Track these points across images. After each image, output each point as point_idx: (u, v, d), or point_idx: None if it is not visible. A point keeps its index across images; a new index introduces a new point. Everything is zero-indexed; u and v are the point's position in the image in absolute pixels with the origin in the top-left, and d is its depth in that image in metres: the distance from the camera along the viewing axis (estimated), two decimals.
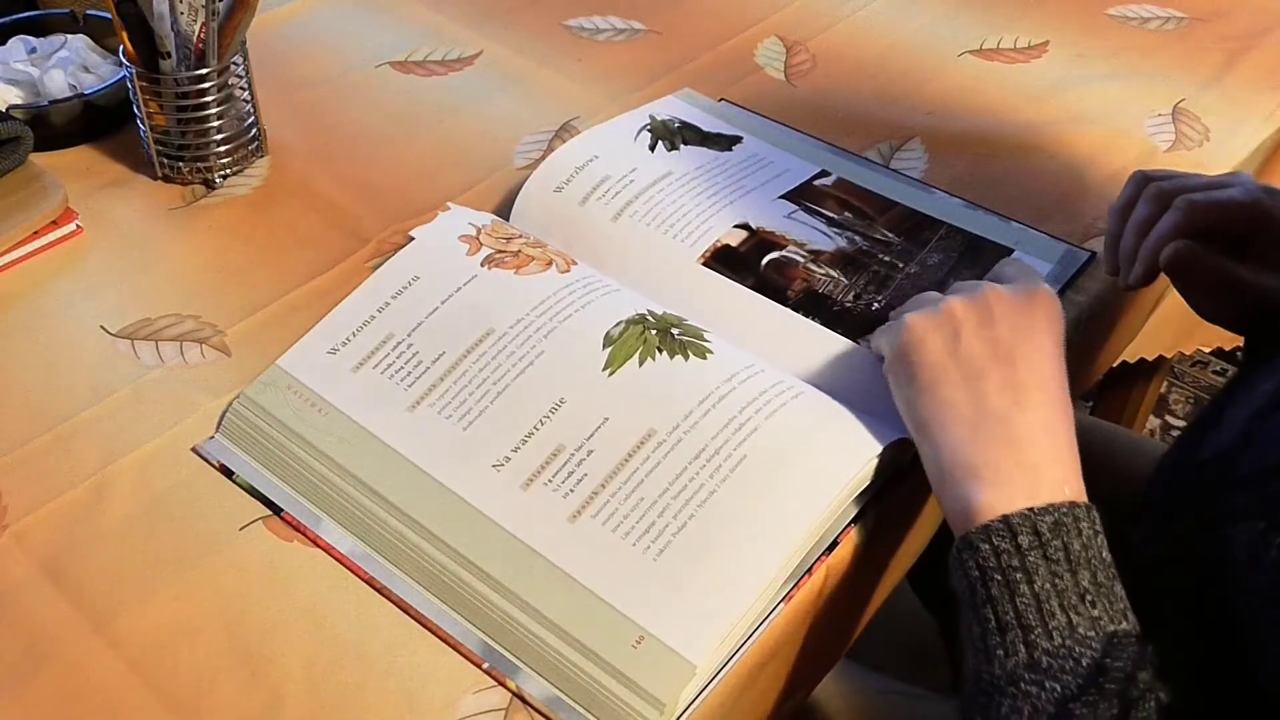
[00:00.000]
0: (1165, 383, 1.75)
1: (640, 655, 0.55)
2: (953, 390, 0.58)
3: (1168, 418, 1.74)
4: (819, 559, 0.61)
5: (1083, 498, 0.55)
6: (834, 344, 0.68)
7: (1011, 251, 0.76)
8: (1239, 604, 0.53)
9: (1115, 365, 0.96)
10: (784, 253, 0.73)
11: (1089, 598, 0.51)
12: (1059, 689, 0.50)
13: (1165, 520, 0.61)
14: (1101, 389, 1.37)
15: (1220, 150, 0.90)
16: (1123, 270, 0.69)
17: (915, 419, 0.59)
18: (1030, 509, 0.53)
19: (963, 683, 0.54)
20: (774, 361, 0.67)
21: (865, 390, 0.65)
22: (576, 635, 0.56)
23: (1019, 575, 0.52)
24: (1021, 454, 0.55)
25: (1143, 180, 0.69)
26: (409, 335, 0.68)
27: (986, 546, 0.52)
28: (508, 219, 0.78)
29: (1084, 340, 0.77)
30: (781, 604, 0.59)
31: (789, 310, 0.70)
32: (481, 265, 0.70)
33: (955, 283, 0.66)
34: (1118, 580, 0.53)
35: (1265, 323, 0.73)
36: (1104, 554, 0.53)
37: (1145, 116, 0.93)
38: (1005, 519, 0.53)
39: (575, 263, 0.71)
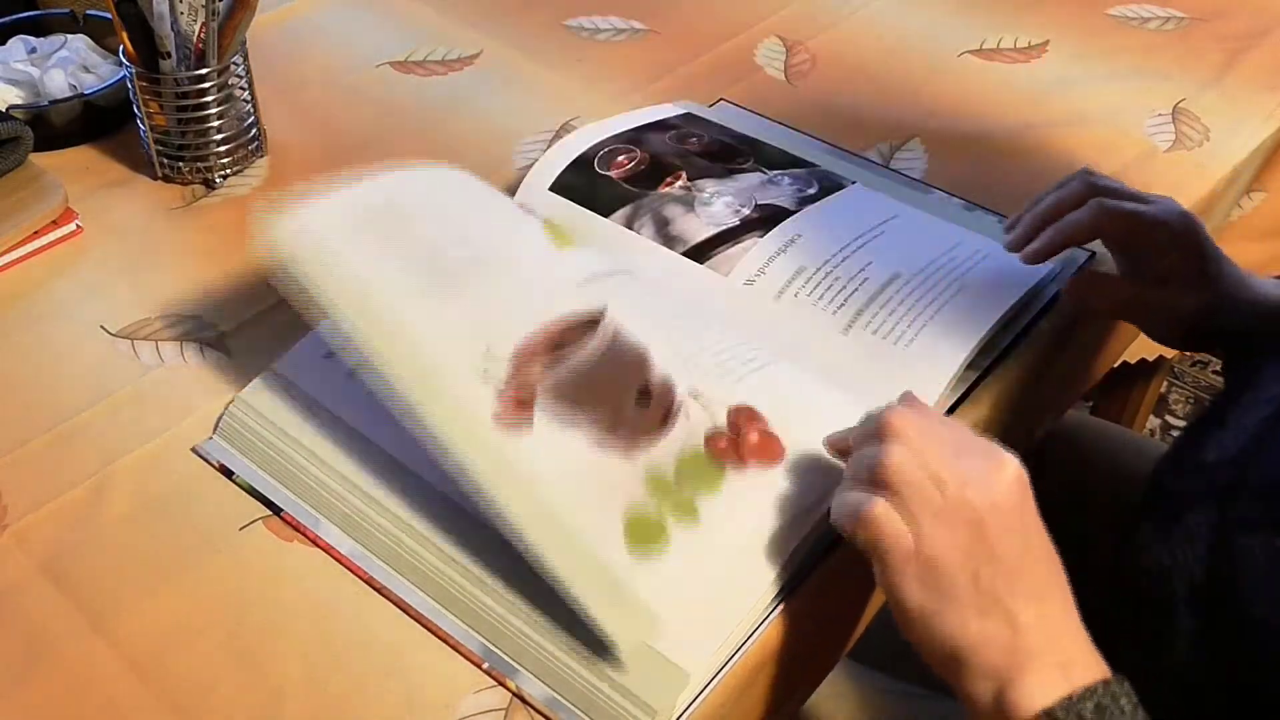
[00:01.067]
0: (1165, 383, 1.75)
1: (634, 662, 0.55)
2: (980, 623, 0.53)
3: (1168, 418, 1.74)
4: (819, 560, 0.61)
5: (1104, 666, 0.53)
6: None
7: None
8: (1255, 611, 0.53)
9: (1115, 365, 0.96)
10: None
11: None
12: None
13: (1172, 522, 0.60)
14: (1101, 389, 1.37)
15: (1220, 150, 0.90)
16: (1019, 236, 0.72)
17: (941, 642, 0.54)
18: (1070, 696, 0.51)
19: None
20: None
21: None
22: (572, 641, 0.55)
23: None
24: (1057, 652, 0.53)
25: (1085, 176, 0.72)
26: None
27: None
28: None
29: (1084, 340, 0.77)
30: (781, 605, 0.59)
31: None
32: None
33: (918, 456, 0.55)
34: None
35: (1206, 343, 0.75)
36: None
37: (1145, 116, 0.93)
38: (1048, 712, 0.51)
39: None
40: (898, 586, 0.54)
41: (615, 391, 0.61)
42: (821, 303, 0.69)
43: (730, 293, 0.70)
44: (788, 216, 0.74)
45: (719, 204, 0.75)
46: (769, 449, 0.60)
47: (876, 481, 0.54)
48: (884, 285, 0.70)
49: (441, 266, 0.63)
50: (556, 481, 0.57)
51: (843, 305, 0.69)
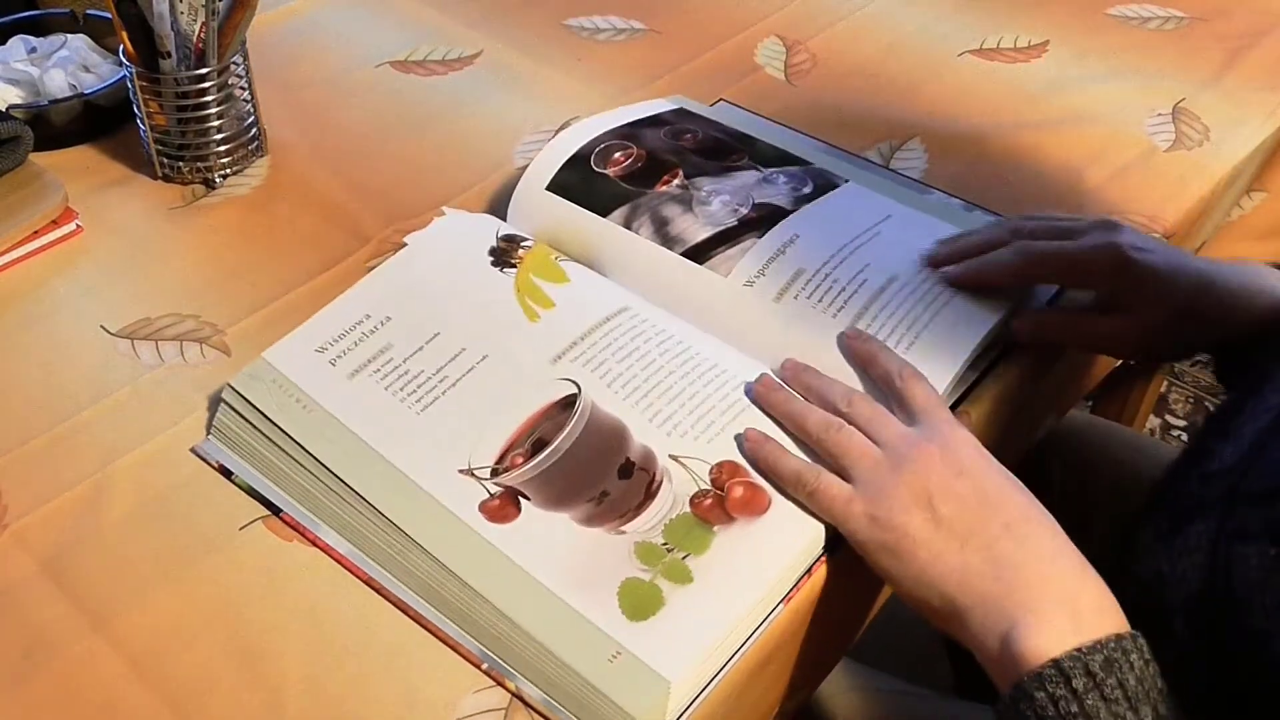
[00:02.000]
0: (1165, 383, 1.75)
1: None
2: (959, 557, 0.56)
3: (1168, 417, 1.74)
4: (819, 559, 0.61)
5: (1120, 616, 0.54)
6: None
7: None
8: (1252, 621, 0.53)
9: (1116, 365, 0.96)
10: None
11: None
12: None
13: (1173, 532, 0.60)
14: (1101, 389, 1.36)
15: (1220, 150, 0.90)
16: (942, 254, 0.72)
17: (937, 596, 0.56)
18: (1079, 649, 0.51)
19: None
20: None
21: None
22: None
23: None
24: (1051, 589, 0.54)
25: (1020, 221, 0.72)
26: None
27: (1042, 694, 0.51)
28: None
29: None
30: (781, 605, 0.59)
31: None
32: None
33: (850, 432, 0.62)
34: (1181, 710, 0.51)
35: (1188, 352, 0.76)
36: (1159, 684, 0.51)
37: (1145, 116, 0.93)
38: (1056, 663, 0.51)
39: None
40: (858, 545, 0.59)
41: (597, 470, 0.62)
42: (821, 305, 0.69)
43: (730, 294, 0.70)
44: (785, 216, 0.74)
45: (716, 203, 0.75)
46: (753, 501, 0.61)
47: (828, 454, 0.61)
48: (882, 288, 0.70)
49: (415, 387, 0.65)
50: (546, 571, 0.58)
51: (843, 307, 0.69)
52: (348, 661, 0.57)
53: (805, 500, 0.60)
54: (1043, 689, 0.51)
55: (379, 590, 0.59)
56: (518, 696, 0.55)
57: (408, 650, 0.57)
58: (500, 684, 0.56)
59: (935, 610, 0.57)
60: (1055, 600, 0.53)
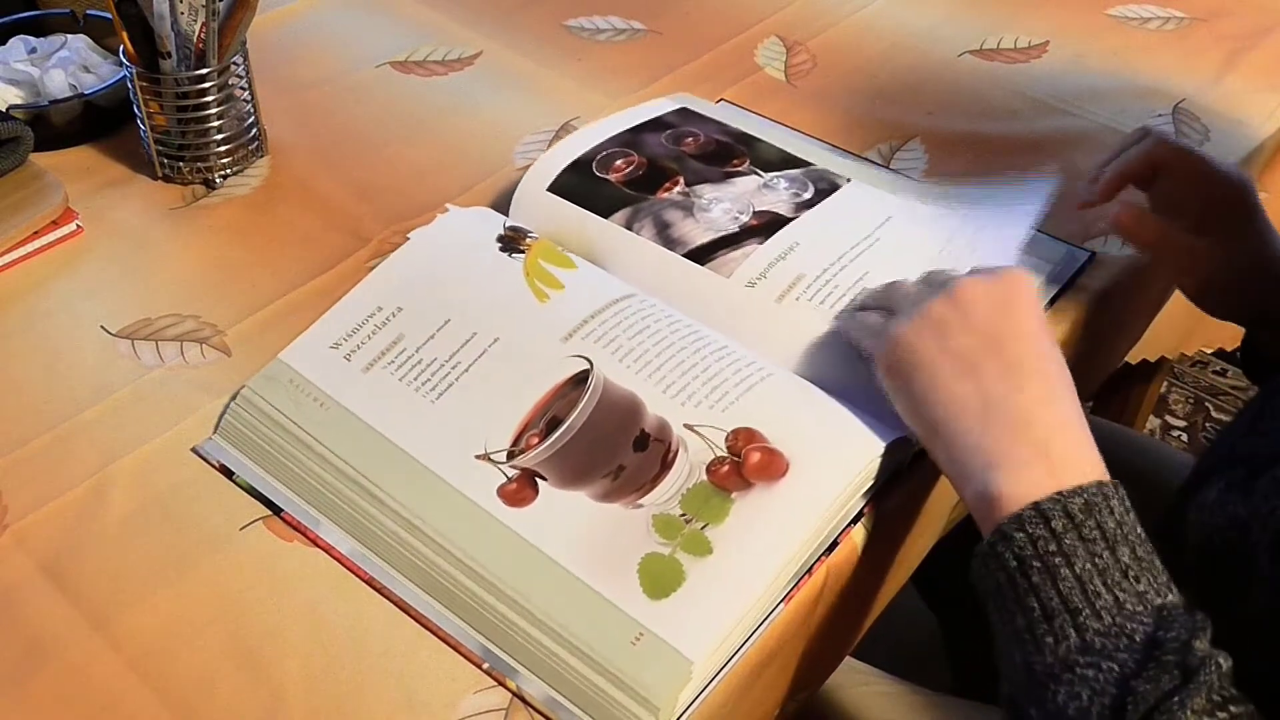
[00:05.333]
0: (1165, 383, 1.75)
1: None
2: (953, 385, 0.58)
3: (1168, 418, 1.74)
4: (819, 559, 0.61)
5: (1103, 470, 0.55)
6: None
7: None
8: None
9: (1118, 367, 0.96)
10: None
11: (1132, 573, 0.51)
12: (1116, 667, 0.49)
13: (1250, 479, 0.60)
14: (1102, 389, 1.37)
15: (1220, 150, 0.89)
16: (1094, 189, 0.76)
17: (923, 423, 0.59)
18: (1059, 493, 0.52)
19: (1005, 681, 0.53)
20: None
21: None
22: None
23: (1058, 560, 0.51)
24: (1033, 433, 0.55)
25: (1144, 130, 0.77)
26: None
27: (1021, 535, 0.52)
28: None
29: (1087, 340, 0.77)
30: (782, 604, 0.59)
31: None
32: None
33: (927, 273, 0.66)
34: (1156, 555, 0.52)
35: (1233, 309, 0.77)
36: (1138, 530, 0.53)
37: (1145, 116, 0.93)
38: (1036, 505, 0.52)
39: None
40: (884, 371, 0.61)
41: (613, 444, 0.62)
42: (824, 307, 0.69)
43: (732, 294, 0.70)
44: (786, 223, 0.74)
45: (717, 210, 0.75)
46: (772, 466, 0.61)
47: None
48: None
49: (429, 376, 0.66)
50: (567, 553, 0.58)
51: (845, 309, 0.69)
52: (348, 661, 0.57)
53: (849, 329, 0.66)
54: (1022, 529, 0.52)
55: (380, 590, 0.59)
56: (519, 696, 0.55)
57: (408, 650, 0.57)
58: (501, 683, 0.56)
59: (921, 435, 0.59)
60: (1031, 447, 0.55)
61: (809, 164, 0.80)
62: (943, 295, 0.60)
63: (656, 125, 0.83)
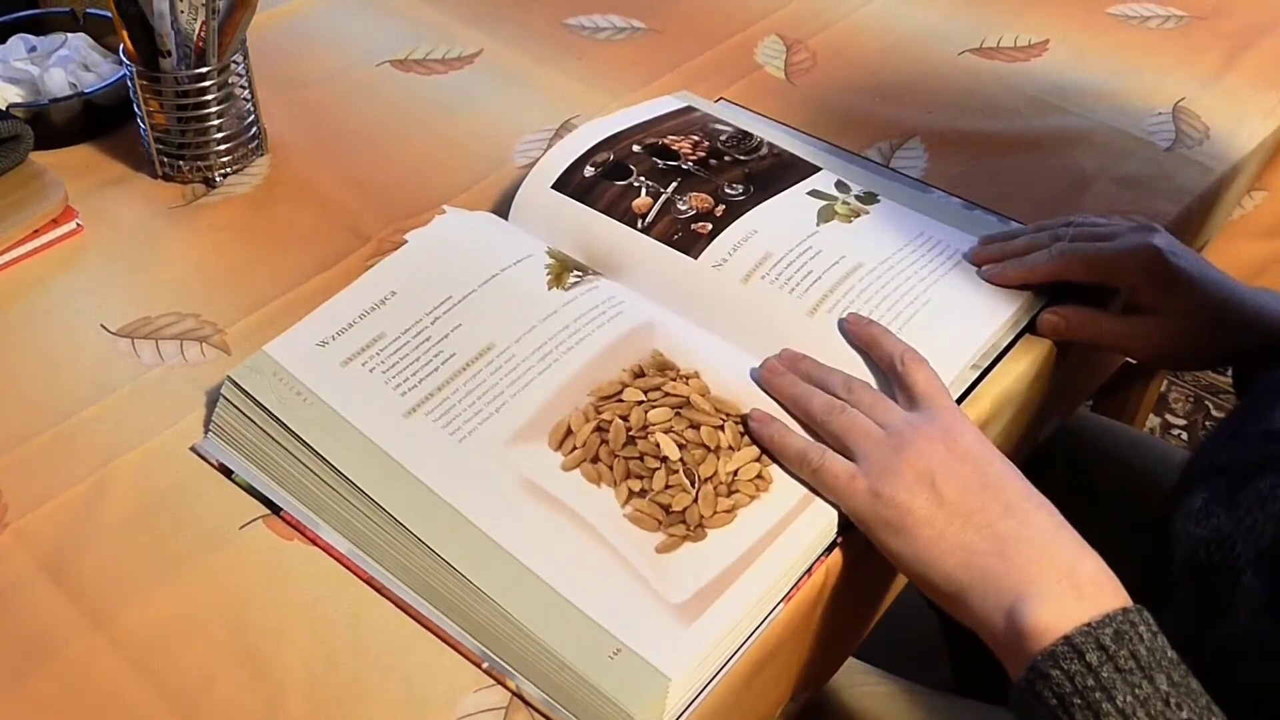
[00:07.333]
0: (1165, 381, 1.75)
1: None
2: (961, 535, 0.57)
3: (1168, 417, 1.74)
4: (819, 559, 0.61)
5: (1124, 594, 0.54)
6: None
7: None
8: None
9: (1118, 368, 0.96)
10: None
11: (1173, 700, 0.50)
12: None
13: (1235, 489, 0.60)
14: (1102, 389, 1.36)
15: (1221, 149, 0.90)
16: (986, 253, 0.74)
17: (940, 574, 0.57)
18: (1089, 624, 0.52)
19: None
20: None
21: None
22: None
23: (1098, 695, 0.50)
24: (1050, 562, 0.55)
25: (1060, 228, 0.74)
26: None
27: (1058, 672, 0.51)
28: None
29: (1079, 350, 0.77)
30: (781, 604, 0.59)
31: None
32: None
33: (854, 414, 0.63)
34: (1192, 676, 0.52)
35: (1207, 362, 0.76)
36: (1169, 652, 0.52)
37: (1145, 115, 0.93)
38: (1067, 639, 0.52)
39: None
40: (861, 522, 0.59)
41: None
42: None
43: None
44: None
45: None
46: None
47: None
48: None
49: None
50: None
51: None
52: (347, 660, 0.57)
53: (809, 478, 0.61)
54: (1057, 666, 0.51)
55: (379, 589, 0.59)
56: (518, 695, 0.55)
57: (408, 649, 0.57)
58: (500, 683, 0.56)
59: (938, 588, 0.57)
60: (1056, 574, 0.54)
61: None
62: (908, 448, 0.59)
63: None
